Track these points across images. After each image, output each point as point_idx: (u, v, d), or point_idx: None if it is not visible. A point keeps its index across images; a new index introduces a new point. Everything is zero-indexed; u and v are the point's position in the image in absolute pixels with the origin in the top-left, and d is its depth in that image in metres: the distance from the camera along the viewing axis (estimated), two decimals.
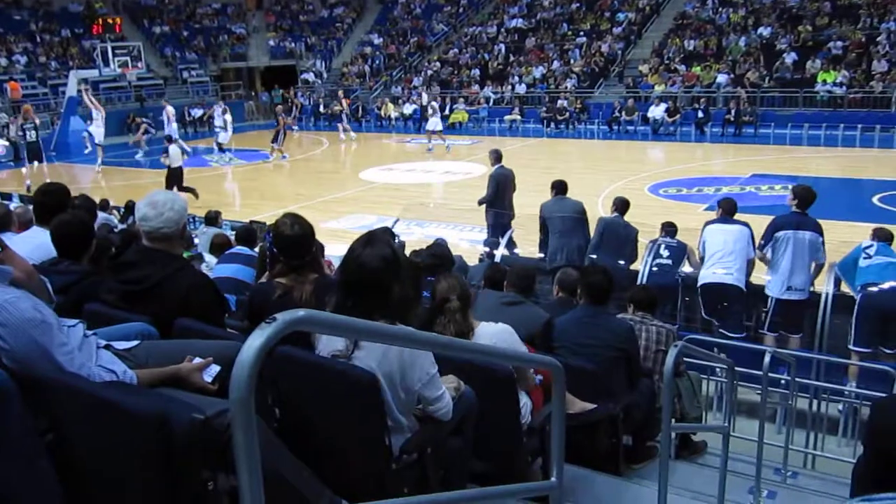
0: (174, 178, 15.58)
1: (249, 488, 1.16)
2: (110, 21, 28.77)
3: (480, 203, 10.32)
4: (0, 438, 1.93)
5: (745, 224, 7.47)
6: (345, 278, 2.59)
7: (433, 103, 23.41)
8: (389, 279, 2.52)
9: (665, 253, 7.63)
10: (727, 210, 7.73)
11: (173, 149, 16.07)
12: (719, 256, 7.23)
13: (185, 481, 1.95)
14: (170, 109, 23.09)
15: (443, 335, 2.54)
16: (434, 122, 22.27)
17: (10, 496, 1.94)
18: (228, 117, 22.37)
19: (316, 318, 1.25)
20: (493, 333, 3.35)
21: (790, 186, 7.51)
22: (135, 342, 2.67)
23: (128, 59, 25.03)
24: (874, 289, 6.43)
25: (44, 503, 2.01)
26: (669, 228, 8.02)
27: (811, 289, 7.05)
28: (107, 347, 2.52)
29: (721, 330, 7.19)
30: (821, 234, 6.96)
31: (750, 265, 7.32)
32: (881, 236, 6.90)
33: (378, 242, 2.59)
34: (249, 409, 1.15)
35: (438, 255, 5.06)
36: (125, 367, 2.42)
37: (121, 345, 2.61)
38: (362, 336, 2.14)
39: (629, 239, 7.98)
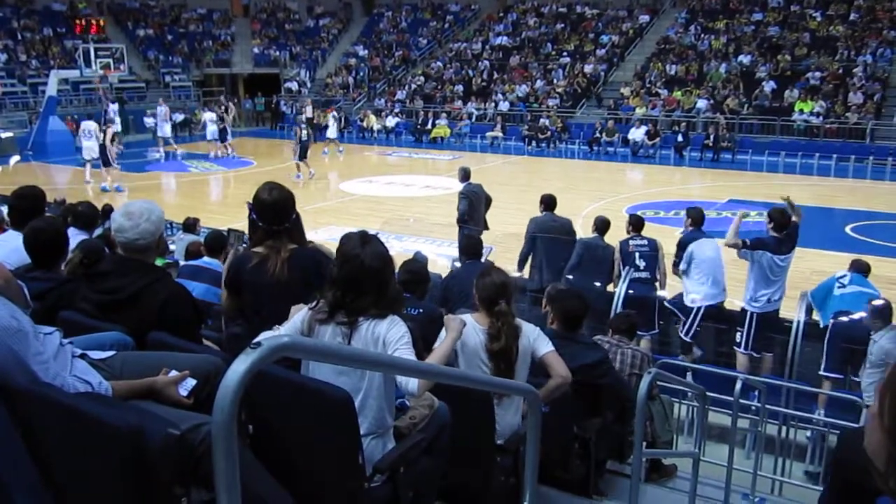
0: None
1: None
2: (94, 22, 28.58)
3: (460, 219, 10.35)
4: None
5: None
6: (345, 276, 2.68)
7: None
8: (387, 275, 2.71)
9: (641, 264, 7.73)
10: (697, 220, 7.85)
11: None
12: (719, 275, 7.46)
13: (159, 496, 1.94)
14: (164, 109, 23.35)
15: (426, 363, 2.54)
16: (332, 131, 24.12)
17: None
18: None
19: (300, 344, 1.27)
20: (531, 331, 3.49)
21: (765, 213, 7.65)
22: (110, 352, 2.65)
23: (110, 60, 24.88)
24: (845, 318, 6.55)
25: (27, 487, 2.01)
26: (637, 223, 8.11)
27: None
28: (82, 357, 2.51)
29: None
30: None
31: None
32: (857, 268, 7.04)
33: (373, 241, 2.73)
34: (231, 433, 1.16)
35: (413, 270, 4.91)
36: (100, 377, 2.41)
37: (96, 355, 2.59)
38: (346, 363, 2.15)
39: (607, 259, 8.05)
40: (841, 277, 6.88)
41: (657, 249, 7.88)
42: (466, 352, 3.41)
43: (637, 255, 7.77)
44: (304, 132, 19.64)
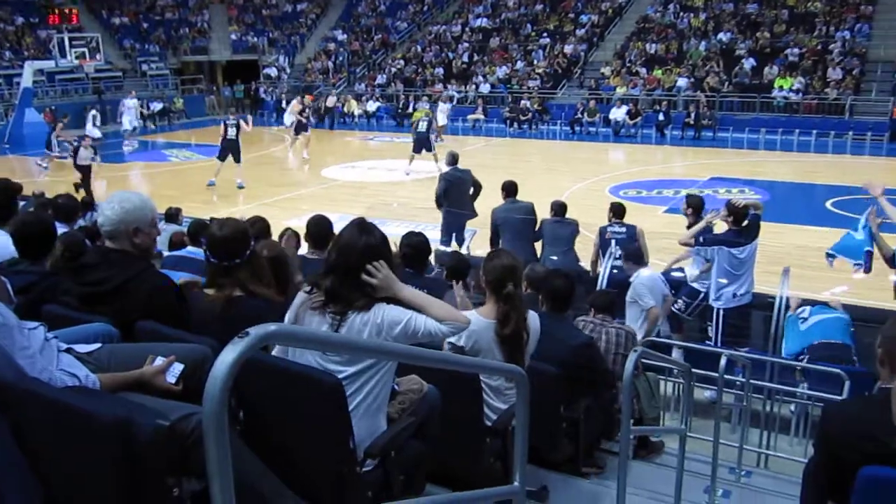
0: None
1: (221, 500, 1.17)
2: (67, 11, 28.17)
3: (436, 202, 10.41)
4: None
5: None
6: (339, 264, 2.66)
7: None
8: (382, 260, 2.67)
9: (617, 252, 7.73)
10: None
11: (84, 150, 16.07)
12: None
13: (151, 488, 1.94)
14: (129, 102, 22.75)
15: (412, 347, 2.53)
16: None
17: None
18: None
19: (287, 332, 1.27)
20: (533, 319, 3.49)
21: (745, 190, 7.65)
22: (96, 345, 2.64)
23: (85, 50, 24.55)
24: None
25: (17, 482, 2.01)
26: (618, 211, 8.16)
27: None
28: (68, 351, 2.49)
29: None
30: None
31: None
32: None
33: (373, 229, 2.73)
34: (222, 422, 1.16)
35: (413, 244, 4.79)
36: (87, 371, 2.40)
37: (82, 348, 2.58)
38: (335, 349, 2.16)
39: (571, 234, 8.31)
40: (800, 314, 6.59)
41: (636, 238, 7.86)
42: (476, 350, 3.34)
43: (613, 242, 7.82)
44: (423, 124, 18.38)
